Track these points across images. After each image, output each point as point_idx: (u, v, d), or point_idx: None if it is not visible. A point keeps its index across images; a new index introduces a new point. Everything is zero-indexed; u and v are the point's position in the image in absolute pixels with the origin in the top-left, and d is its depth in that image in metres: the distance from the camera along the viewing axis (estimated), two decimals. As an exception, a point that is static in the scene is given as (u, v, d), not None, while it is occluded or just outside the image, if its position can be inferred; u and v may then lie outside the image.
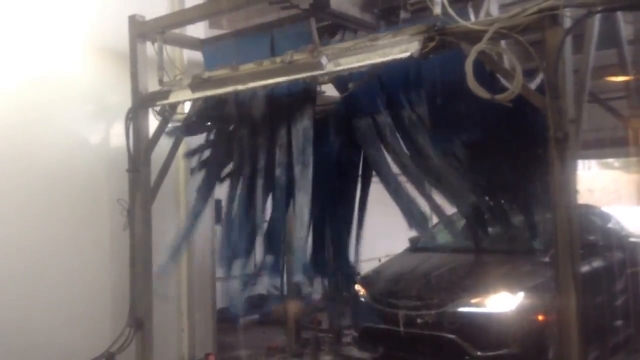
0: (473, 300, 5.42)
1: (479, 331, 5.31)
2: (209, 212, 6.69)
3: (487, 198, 5.05)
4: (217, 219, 6.89)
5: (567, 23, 3.49)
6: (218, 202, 6.94)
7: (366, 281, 6.24)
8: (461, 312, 5.39)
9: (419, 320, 5.48)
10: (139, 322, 5.52)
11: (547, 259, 5.49)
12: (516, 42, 3.67)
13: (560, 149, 3.48)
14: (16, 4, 5.40)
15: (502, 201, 5.10)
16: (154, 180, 5.70)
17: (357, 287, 6.03)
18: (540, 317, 5.29)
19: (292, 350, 6.75)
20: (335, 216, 5.36)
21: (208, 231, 6.68)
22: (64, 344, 5.39)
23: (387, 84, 4.77)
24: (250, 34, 5.45)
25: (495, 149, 4.72)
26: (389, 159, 4.83)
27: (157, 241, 5.75)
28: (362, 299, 6.07)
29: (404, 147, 4.76)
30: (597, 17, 3.96)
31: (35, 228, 5.36)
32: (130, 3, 5.98)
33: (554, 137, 3.49)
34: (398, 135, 4.76)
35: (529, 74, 3.93)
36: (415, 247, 7.05)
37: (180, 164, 6.41)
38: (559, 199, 3.53)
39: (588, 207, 7.17)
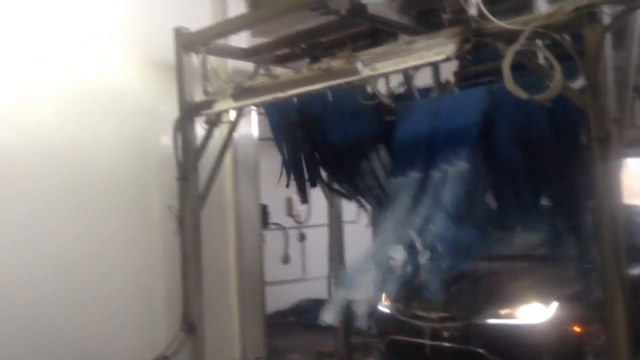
0: (502, 312, 5.10)
1: (509, 344, 5.01)
2: (256, 217, 6.85)
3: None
4: (264, 224, 7.05)
5: (606, 20, 3.38)
6: (264, 208, 7.10)
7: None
8: (489, 324, 5.08)
9: (445, 333, 5.19)
10: (191, 326, 5.68)
11: (586, 265, 5.17)
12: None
13: (603, 149, 3.40)
14: (67, 19, 5.62)
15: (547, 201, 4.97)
16: (202, 187, 5.87)
17: (383, 297, 5.77)
18: (576, 328, 5.00)
19: (340, 355, 6.78)
20: None
21: (256, 236, 6.80)
22: (120, 349, 5.60)
23: None
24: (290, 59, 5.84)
25: (537, 148, 4.64)
26: None
27: (206, 246, 5.92)
28: (387, 310, 5.81)
29: None
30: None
31: (90, 237, 5.58)
32: (176, 15, 6.19)
33: (596, 137, 3.40)
34: None
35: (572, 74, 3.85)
36: None
37: (227, 170, 6.56)
38: (602, 200, 3.44)
39: (634, 208, 6.80)
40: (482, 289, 5.45)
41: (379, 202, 5.96)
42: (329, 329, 7.22)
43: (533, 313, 5.01)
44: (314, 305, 7.30)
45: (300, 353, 7.03)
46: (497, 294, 5.26)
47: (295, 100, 5.61)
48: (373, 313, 5.59)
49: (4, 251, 5.04)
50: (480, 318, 5.11)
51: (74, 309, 5.40)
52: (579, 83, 3.73)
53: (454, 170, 4.77)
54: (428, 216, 4.77)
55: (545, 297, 5.04)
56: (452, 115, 4.97)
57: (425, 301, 5.32)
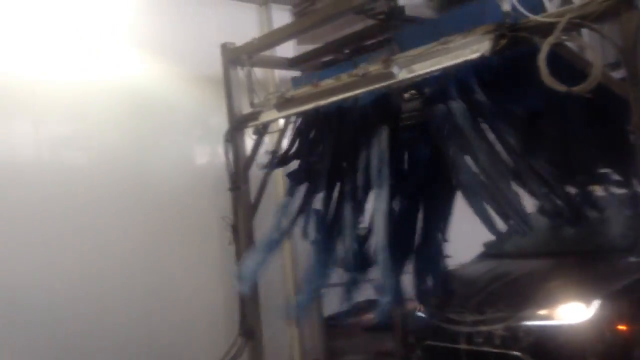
0: (541, 312, 4.82)
1: (548, 347, 4.71)
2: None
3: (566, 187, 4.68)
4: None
5: (643, 5, 3.29)
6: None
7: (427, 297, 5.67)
8: (528, 326, 4.80)
9: (481, 337, 4.96)
10: (249, 331, 5.85)
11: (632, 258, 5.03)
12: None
13: (647, 138, 3.29)
14: (121, 39, 5.89)
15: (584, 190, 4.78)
16: (254, 197, 6.03)
17: (419, 305, 5.70)
18: (621, 327, 4.71)
19: (400, 355, 6.77)
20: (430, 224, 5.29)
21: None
22: (180, 352, 5.82)
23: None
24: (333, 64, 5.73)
25: (577, 136, 4.50)
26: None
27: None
28: (421, 314, 5.69)
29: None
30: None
31: (151, 247, 5.82)
32: (223, 30, 6.41)
33: (638, 124, 3.30)
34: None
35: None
36: (487, 253, 6.40)
37: (278, 179, 6.69)
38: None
39: None
40: (519, 289, 5.20)
41: None
42: (387, 329, 7.26)
43: (573, 313, 4.74)
44: (372, 306, 7.32)
45: (360, 354, 7.06)
46: (535, 294, 4.98)
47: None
48: (410, 318, 5.68)
49: (74, 263, 5.32)
50: (518, 320, 4.85)
51: (138, 318, 5.63)
52: (620, 73, 3.64)
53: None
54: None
55: (586, 295, 4.76)
56: None
57: (461, 304, 5.26)
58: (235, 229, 5.96)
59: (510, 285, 5.30)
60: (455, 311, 5.27)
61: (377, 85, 4.31)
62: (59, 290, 5.21)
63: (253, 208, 5.99)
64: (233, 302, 6.02)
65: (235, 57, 5.97)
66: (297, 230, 6.54)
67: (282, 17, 6.89)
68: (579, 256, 5.53)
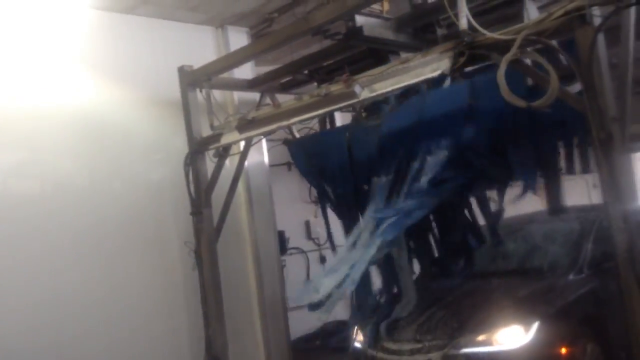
0: (479, 338, 4.55)
1: None
2: (274, 244, 6.89)
3: None
4: (282, 250, 7.08)
5: (597, 21, 3.39)
6: (281, 234, 7.12)
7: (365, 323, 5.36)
8: (466, 354, 4.53)
9: None
10: (215, 357, 5.72)
11: (573, 276, 4.98)
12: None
13: (606, 150, 3.37)
14: (75, 63, 5.74)
15: None
16: (216, 220, 5.94)
17: (356, 329, 5.42)
18: (563, 350, 4.50)
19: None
20: None
21: (275, 262, 6.83)
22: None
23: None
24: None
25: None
26: None
27: (226, 277, 5.99)
28: (357, 344, 5.37)
29: None
30: (633, 7, 3.82)
31: (111, 274, 5.65)
32: (179, 53, 6.35)
33: (598, 138, 3.38)
34: None
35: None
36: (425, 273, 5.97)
37: (241, 200, 6.62)
38: (610, 202, 3.40)
39: None
40: (457, 314, 4.87)
41: None
42: (355, 351, 7.20)
43: (512, 337, 4.50)
44: (340, 328, 7.27)
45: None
46: (474, 318, 4.71)
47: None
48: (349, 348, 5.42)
49: (26, 291, 5.12)
50: (455, 348, 4.58)
51: (98, 346, 5.45)
52: (576, 87, 3.74)
53: (433, 159, 4.67)
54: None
55: (526, 317, 4.54)
56: (436, 110, 4.83)
57: (398, 332, 4.97)
58: (198, 254, 5.85)
59: (449, 309, 5.00)
60: (392, 339, 4.98)
61: (339, 105, 4.31)
62: (10, 321, 5.01)
63: (216, 232, 5.89)
64: (198, 327, 5.88)
65: (193, 79, 5.91)
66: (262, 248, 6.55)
67: (239, 39, 6.89)
68: (518, 276, 5.36)
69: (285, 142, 6.43)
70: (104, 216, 5.73)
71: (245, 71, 6.67)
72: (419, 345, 4.75)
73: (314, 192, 7.18)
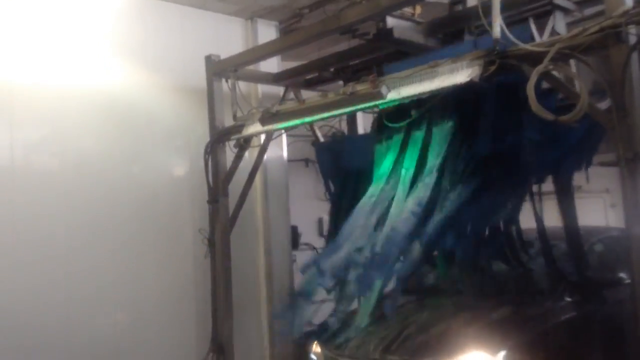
0: None
1: None
2: (286, 239, 6.92)
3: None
4: (294, 245, 7.09)
5: (632, 39, 3.36)
6: (294, 229, 7.13)
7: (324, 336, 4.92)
8: None
9: None
10: (220, 347, 5.75)
11: (552, 302, 4.66)
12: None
13: (631, 170, 3.34)
14: (102, 46, 5.80)
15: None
16: (232, 210, 5.97)
17: (315, 344, 5.01)
18: None
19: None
20: None
21: (286, 257, 6.85)
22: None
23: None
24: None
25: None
26: None
27: (237, 268, 6.01)
28: (314, 357, 4.97)
29: None
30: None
31: (123, 257, 5.70)
32: (207, 42, 6.39)
33: (624, 158, 3.35)
34: None
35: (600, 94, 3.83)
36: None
37: (257, 193, 6.64)
38: (633, 223, 3.38)
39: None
40: (423, 332, 4.49)
41: None
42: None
43: None
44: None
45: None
46: (439, 339, 4.34)
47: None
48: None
49: (37, 268, 5.17)
50: None
51: (106, 328, 5.52)
52: (605, 104, 3.71)
53: (439, 128, 4.51)
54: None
55: (493, 344, 4.15)
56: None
57: (355, 349, 4.53)
58: (211, 242, 5.88)
59: (414, 330, 4.57)
60: (349, 356, 4.53)
61: (364, 105, 4.31)
62: (23, 297, 5.07)
63: (231, 222, 5.91)
64: (206, 317, 5.91)
65: (219, 69, 5.93)
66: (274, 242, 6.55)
67: (267, 32, 6.92)
68: (494, 297, 4.94)
69: (314, 144, 6.42)
70: (120, 198, 5.78)
71: (271, 65, 6.70)
72: None
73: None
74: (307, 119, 4.72)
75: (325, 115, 4.62)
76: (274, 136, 5.95)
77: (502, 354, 4.09)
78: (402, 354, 4.29)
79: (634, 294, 3.37)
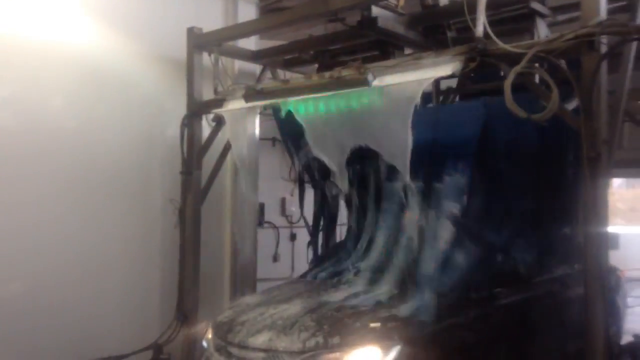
0: (329, 356, 3.84)
1: None
2: (252, 215, 7.04)
3: None
4: (260, 221, 7.23)
5: (603, 48, 3.65)
6: (262, 205, 7.27)
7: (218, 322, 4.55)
8: None
9: None
10: (185, 316, 5.87)
11: (457, 298, 4.36)
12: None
13: (593, 168, 3.65)
14: (80, 8, 5.71)
15: None
16: (204, 183, 6.06)
17: (209, 330, 4.67)
18: None
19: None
20: None
21: (252, 233, 6.98)
22: (115, 334, 5.75)
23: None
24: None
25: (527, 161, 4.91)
26: None
27: (204, 240, 6.13)
28: (205, 344, 4.60)
29: None
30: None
31: (91, 225, 5.71)
32: (187, 15, 6.41)
33: (587, 157, 3.65)
34: None
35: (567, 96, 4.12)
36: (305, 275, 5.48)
37: (228, 168, 6.74)
38: (589, 217, 3.69)
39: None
40: (315, 324, 4.08)
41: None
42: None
43: (366, 359, 3.86)
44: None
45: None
46: (331, 331, 3.96)
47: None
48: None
49: (5, 237, 5.12)
50: None
51: (72, 296, 5.51)
52: (573, 104, 4.01)
53: (453, 180, 4.86)
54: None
55: (388, 338, 3.88)
56: (450, 127, 5.07)
57: (243, 336, 4.19)
58: (182, 212, 5.97)
59: (318, 317, 4.18)
60: (238, 345, 4.17)
61: (349, 89, 4.47)
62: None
63: (202, 194, 6.01)
64: (172, 286, 6.01)
65: (200, 42, 5.98)
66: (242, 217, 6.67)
67: (247, 10, 6.98)
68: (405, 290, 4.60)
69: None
70: (92, 164, 5.76)
71: (249, 42, 6.78)
72: (264, 355, 4.01)
73: (294, 171, 7.31)
74: (291, 98, 4.83)
75: (309, 96, 4.76)
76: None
77: (396, 349, 3.85)
78: (292, 344, 3.95)
79: (587, 292, 3.67)
